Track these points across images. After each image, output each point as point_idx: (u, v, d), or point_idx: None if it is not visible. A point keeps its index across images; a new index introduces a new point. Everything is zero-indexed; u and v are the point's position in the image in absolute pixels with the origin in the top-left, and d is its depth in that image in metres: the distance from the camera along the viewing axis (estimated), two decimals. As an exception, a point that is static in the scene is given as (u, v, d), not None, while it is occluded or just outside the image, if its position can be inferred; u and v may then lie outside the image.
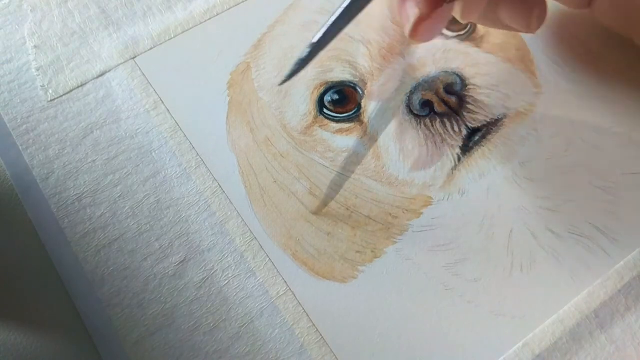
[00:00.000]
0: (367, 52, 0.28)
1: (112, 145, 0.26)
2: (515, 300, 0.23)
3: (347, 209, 0.25)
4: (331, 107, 0.27)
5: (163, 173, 0.26)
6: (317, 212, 0.25)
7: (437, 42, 0.28)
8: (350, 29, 0.28)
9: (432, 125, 0.25)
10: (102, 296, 0.23)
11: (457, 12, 0.24)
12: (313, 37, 0.22)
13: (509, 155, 0.26)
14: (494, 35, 0.28)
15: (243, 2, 0.30)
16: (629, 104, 0.27)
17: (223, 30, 0.29)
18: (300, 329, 0.22)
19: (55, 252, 0.24)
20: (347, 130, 0.26)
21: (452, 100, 0.26)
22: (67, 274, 0.24)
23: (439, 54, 0.27)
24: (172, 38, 0.29)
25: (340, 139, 0.26)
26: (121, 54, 0.29)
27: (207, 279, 0.23)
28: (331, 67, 0.27)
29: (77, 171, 0.26)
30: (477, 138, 0.26)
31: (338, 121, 0.26)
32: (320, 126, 0.26)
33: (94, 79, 0.28)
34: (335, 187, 0.25)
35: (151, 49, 0.29)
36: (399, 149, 0.25)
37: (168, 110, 0.27)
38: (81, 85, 0.28)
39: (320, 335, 0.22)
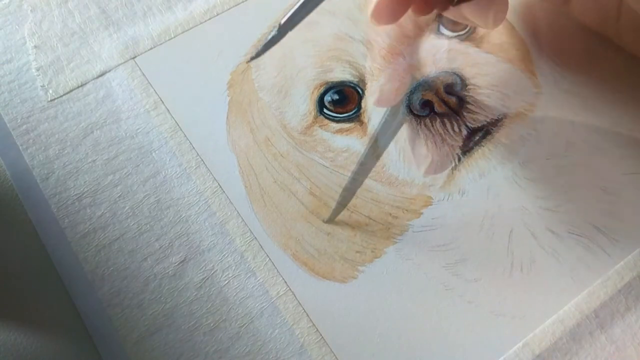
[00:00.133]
0: (367, 52, 0.28)
1: (112, 145, 0.26)
2: (515, 300, 0.23)
3: (347, 209, 0.25)
4: (331, 107, 0.27)
5: (163, 173, 0.26)
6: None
7: (437, 42, 0.28)
8: (350, 29, 0.28)
9: (432, 125, 0.25)
10: (102, 296, 0.23)
11: None
12: (281, 20, 0.24)
13: (509, 155, 0.26)
14: (494, 35, 0.28)
15: (243, 2, 0.30)
16: (629, 104, 0.27)
17: (223, 30, 0.29)
18: (300, 329, 0.22)
19: (55, 252, 0.24)
20: (347, 130, 0.26)
21: (452, 100, 0.26)
22: (67, 274, 0.24)
23: (439, 54, 0.27)
24: (172, 38, 0.29)
25: (340, 139, 0.26)
26: (121, 54, 0.29)
27: (207, 279, 0.23)
28: (331, 67, 0.27)
29: (77, 171, 0.26)
30: (477, 138, 0.26)
31: (338, 121, 0.26)
32: (320, 126, 0.26)
33: (94, 79, 0.28)
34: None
35: (151, 49, 0.29)
36: (399, 149, 0.25)
37: (168, 110, 0.27)
38: (81, 85, 0.28)
39: (320, 335, 0.22)
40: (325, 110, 0.27)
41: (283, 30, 0.23)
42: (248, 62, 0.24)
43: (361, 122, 0.26)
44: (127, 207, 0.25)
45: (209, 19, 0.30)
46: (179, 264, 0.24)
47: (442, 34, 0.28)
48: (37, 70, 0.28)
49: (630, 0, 0.24)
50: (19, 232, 0.25)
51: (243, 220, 0.24)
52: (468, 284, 0.23)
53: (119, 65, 0.28)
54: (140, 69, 0.28)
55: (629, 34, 0.26)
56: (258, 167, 0.26)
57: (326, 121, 0.26)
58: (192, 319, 0.23)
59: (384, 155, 0.25)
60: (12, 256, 0.24)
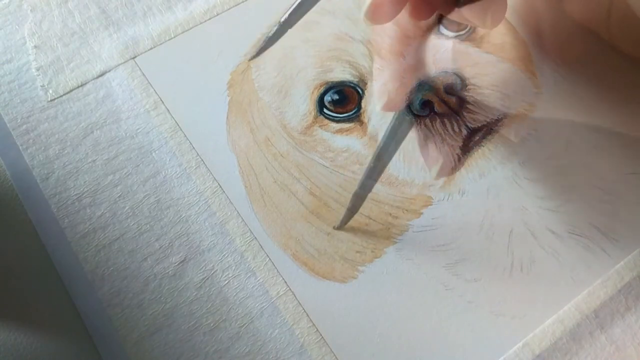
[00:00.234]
0: (367, 52, 0.28)
1: (112, 145, 0.26)
2: (515, 300, 0.23)
3: (347, 209, 0.25)
4: (331, 107, 0.27)
5: (163, 173, 0.26)
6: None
7: (438, 42, 0.28)
8: (350, 29, 0.28)
9: (432, 125, 0.25)
10: (102, 296, 0.23)
11: None
12: (281, 17, 0.25)
13: (509, 155, 0.26)
14: (494, 36, 0.28)
15: (243, 2, 0.30)
16: (629, 104, 0.27)
17: (223, 30, 0.29)
18: (300, 329, 0.22)
19: (55, 252, 0.24)
20: (347, 130, 0.26)
21: (452, 100, 0.26)
22: (67, 274, 0.24)
23: (439, 54, 0.27)
24: (172, 38, 0.29)
25: (340, 139, 0.26)
26: (121, 54, 0.29)
27: (207, 279, 0.23)
28: (331, 67, 0.28)
29: (77, 171, 0.26)
30: (477, 138, 0.26)
31: (338, 121, 0.26)
32: (320, 126, 0.26)
33: (94, 79, 0.28)
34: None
35: (151, 49, 0.29)
36: (400, 150, 0.25)
37: (168, 110, 0.27)
38: (81, 85, 0.28)
39: (320, 335, 0.22)
40: (325, 110, 0.27)
41: (283, 27, 0.23)
42: (249, 60, 0.24)
43: (361, 122, 0.26)
44: (127, 207, 0.25)
45: (209, 19, 0.30)
46: (179, 264, 0.24)
47: (443, 34, 0.28)
48: (37, 70, 0.28)
49: None
50: (19, 232, 0.25)
51: (243, 220, 0.24)
52: (468, 284, 0.23)
53: (119, 65, 0.28)
54: (140, 69, 0.28)
55: (619, 31, 0.26)
56: (258, 167, 0.26)
57: (326, 121, 0.26)
58: (192, 319, 0.23)
59: (384, 155, 0.25)
60: (12, 256, 0.24)
